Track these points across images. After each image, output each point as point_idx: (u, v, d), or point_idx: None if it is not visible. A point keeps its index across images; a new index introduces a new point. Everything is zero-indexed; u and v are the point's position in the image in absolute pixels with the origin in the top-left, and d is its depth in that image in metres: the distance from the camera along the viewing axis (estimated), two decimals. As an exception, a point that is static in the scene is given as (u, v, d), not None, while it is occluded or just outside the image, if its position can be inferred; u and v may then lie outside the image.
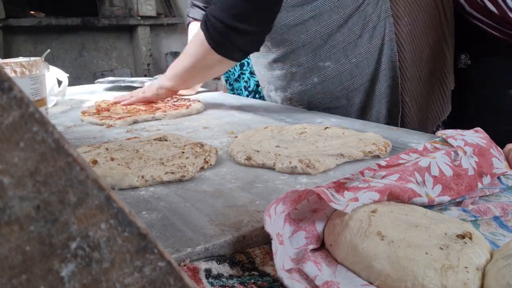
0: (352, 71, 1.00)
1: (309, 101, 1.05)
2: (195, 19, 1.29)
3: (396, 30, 0.98)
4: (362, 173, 0.50)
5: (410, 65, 1.00)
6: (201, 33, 0.92)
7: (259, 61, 1.13)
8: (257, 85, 1.35)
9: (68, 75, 1.15)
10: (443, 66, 1.04)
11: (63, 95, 1.15)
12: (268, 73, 1.11)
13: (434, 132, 1.07)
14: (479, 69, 1.08)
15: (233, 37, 0.89)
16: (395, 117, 1.04)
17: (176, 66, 1.03)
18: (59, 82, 1.15)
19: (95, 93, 1.37)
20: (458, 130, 0.61)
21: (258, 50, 0.95)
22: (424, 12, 0.99)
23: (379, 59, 1.00)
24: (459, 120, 1.16)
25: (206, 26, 0.91)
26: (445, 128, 1.41)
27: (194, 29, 1.28)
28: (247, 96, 1.38)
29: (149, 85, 1.11)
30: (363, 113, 1.03)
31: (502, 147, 0.58)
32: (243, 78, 1.39)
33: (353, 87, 1.01)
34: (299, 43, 1.00)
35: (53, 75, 1.09)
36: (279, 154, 0.63)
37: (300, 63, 1.02)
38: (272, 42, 1.02)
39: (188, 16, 1.34)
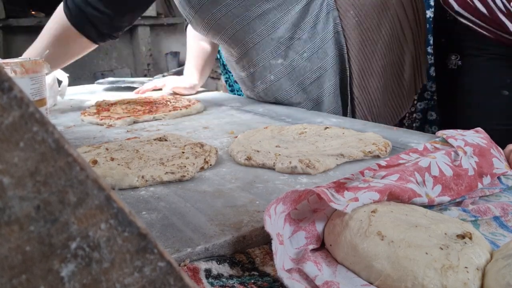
0: (304, 66, 1.01)
1: (274, 97, 1.07)
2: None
3: (342, 23, 0.98)
4: (362, 173, 0.50)
5: (359, 58, 1.00)
6: (59, 9, 1.02)
7: (230, 64, 1.15)
8: None
9: (68, 75, 1.15)
10: (401, 60, 1.04)
11: (63, 95, 1.15)
12: (237, 75, 1.14)
13: (400, 125, 1.07)
14: (470, 69, 1.08)
15: (91, 18, 0.99)
16: (344, 111, 1.04)
17: (31, 48, 1.09)
18: (59, 82, 1.15)
19: (95, 93, 1.37)
20: (459, 130, 0.61)
21: (112, 34, 1.06)
22: (372, 5, 0.98)
23: (329, 52, 1.00)
24: (451, 120, 1.16)
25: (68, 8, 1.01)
26: (430, 128, 1.42)
27: (192, 31, 1.29)
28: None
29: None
30: (321, 108, 1.04)
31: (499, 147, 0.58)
32: None
33: (308, 82, 1.02)
34: (250, 44, 1.02)
35: (53, 75, 1.09)
36: (279, 154, 0.63)
37: (255, 63, 1.04)
38: (229, 43, 1.05)
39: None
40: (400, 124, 1.26)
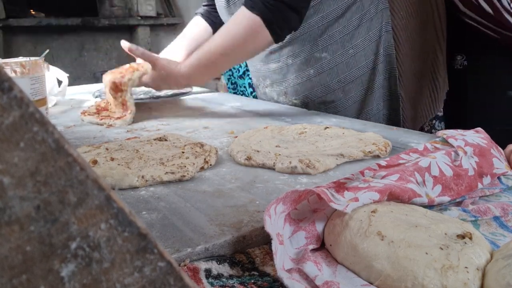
0: (348, 62, 0.99)
1: (304, 94, 1.04)
2: (202, 14, 1.27)
3: (392, 24, 0.98)
4: (362, 173, 0.50)
5: (406, 60, 1.00)
6: (243, 13, 0.88)
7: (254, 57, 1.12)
8: None
9: (68, 75, 1.15)
10: (436, 65, 1.04)
11: (63, 95, 1.15)
12: (264, 67, 1.10)
13: (421, 130, 1.08)
14: (476, 70, 1.08)
15: (284, 11, 0.86)
16: (395, 111, 1.03)
17: (202, 54, 0.93)
18: (59, 82, 1.15)
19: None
20: (459, 130, 0.61)
21: (297, 28, 0.92)
22: (419, 8, 0.99)
23: (376, 51, 0.99)
24: (456, 120, 1.16)
25: (253, 1, 0.86)
26: (438, 127, 1.43)
27: (196, 21, 1.24)
28: (251, 93, 1.38)
29: (167, 67, 0.97)
30: (361, 107, 1.02)
31: (502, 147, 0.58)
32: (248, 75, 1.39)
33: (349, 79, 1.00)
34: (297, 34, 0.98)
35: (53, 75, 1.09)
36: (279, 154, 0.63)
37: (296, 54, 1.01)
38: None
39: (196, 12, 1.32)
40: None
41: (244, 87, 1.40)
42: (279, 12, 0.86)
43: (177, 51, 1.16)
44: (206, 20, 1.22)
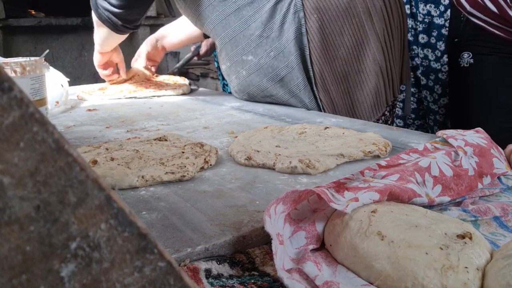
0: (272, 64, 1.03)
1: (247, 92, 1.11)
2: None
3: (306, 26, 1.00)
4: (362, 173, 0.50)
5: (321, 62, 1.01)
6: None
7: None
8: None
9: (68, 79, 1.14)
10: (366, 70, 1.04)
11: (66, 103, 1.13)
12: (222, 68, 1.18)
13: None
14: (481, 67, 1.09)
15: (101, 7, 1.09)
16: (320, 109, 1.05)
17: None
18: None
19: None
20: (459, 130, 0.61)
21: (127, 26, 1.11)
22: (336, 11, 0.99)
23: (292, 52, 1.01)
24: (462, 117, 1.17)
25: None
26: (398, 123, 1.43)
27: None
28: None
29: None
30: (299, 102, 1.06)
31: (505, 144, 0.58)
32: None
33: (276, 79, 1.04)
34: (226, 38, 1.06)
35: (57, 81, 1.09)
36: (279, 154, 0.63)
37: (230, 58, 1.09)
38: (212, 36, 1.11)
39: None
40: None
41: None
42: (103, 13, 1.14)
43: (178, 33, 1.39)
44: None
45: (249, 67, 1.06)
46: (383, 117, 1.14)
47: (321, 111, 1.04)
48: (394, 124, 1.35)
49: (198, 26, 1.15)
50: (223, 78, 1.62)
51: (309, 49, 1.00)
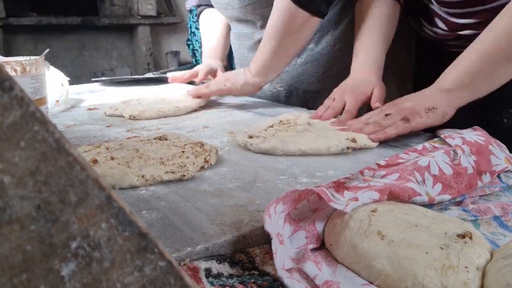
0: (332, 55, 1.01)
1: (290, 83, 1.07)
2: (207, 5, 1.29)
3: None
4: (361, 172, 0.50)
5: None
6: (278, 3, 0.90)
7: (243, 44, 1.13)
8: None
9: (69, 78, 1.14)
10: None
11: (66, 102, 1.13)
12: (251, 55, 1.12)
13: None
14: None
15: None
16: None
17: (260, 57, 0.96)
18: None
19: (95, 92, 1.37)
20: (456, 129, 0.62)
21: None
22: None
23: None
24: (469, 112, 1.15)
25: None
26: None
27: (209, 16, 1.28)
28: None
29: (231, 79, 1.02)
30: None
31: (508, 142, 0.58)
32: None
33: (331, 72, 1.03)
34: None
35: (57, 80, 1.08)
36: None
37: None
38: (264, 21, 1.04)
39: (199, 5, 1.33)
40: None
41: None
42: None
43: (217, 49, 1.25)
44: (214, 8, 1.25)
45: (308, 55, 1.01)
46: None
47: None
48: None
49: (249, 8, 1.04)
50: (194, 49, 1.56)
51: None
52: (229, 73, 1.05)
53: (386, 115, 0.70)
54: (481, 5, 0.77)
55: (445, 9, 0.83)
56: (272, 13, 0.94)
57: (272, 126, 0.76)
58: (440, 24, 0.88)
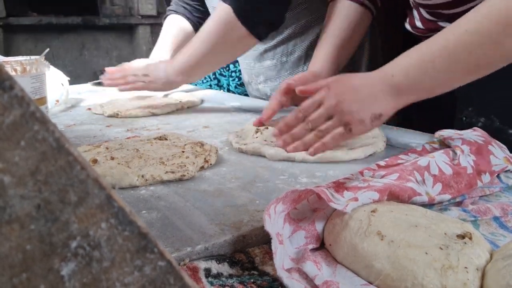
0: None
1: None
2: (176, 12, 1.29)
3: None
4: (361, 173, 0.50)
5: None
6: (220, 8, 0.87)
7: (248, 53, 1.13)
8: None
9: (69, 78, 1.14)
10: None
11: (66, 101, 1.13)
12: (257, 64, 1.12)
13: None
14: None
15: (261, 4, 0.84)
16: None
17: (188, 57, 0.93)
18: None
19: (95, 92, 1.36)
20: (457, 131, 0.62)
21: (279, 25, 0.89)
22: None
23: (363, 53, 1.01)
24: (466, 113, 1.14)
25: None
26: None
27: (171, 20, 1.29)
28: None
29: (151, 75, 0.98)
30: None
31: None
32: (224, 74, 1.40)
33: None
34: (291, 33, 1.02)
35: (57, 80, 1.08)
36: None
37: (291, 52, 1.04)
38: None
39: (169, 10, 1.34)
40: None
41: (229, 86, 1.41)
42: (253, 2, 0.84)
43: (163, 54, 1.20)
44: (182, 16, 1.28)
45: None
46: None
47: None
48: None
49: None
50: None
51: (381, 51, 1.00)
52: (150, 65, 1.01)
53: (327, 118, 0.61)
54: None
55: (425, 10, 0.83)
56: (212, 15, 0.91)
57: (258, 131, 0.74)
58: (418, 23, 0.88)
